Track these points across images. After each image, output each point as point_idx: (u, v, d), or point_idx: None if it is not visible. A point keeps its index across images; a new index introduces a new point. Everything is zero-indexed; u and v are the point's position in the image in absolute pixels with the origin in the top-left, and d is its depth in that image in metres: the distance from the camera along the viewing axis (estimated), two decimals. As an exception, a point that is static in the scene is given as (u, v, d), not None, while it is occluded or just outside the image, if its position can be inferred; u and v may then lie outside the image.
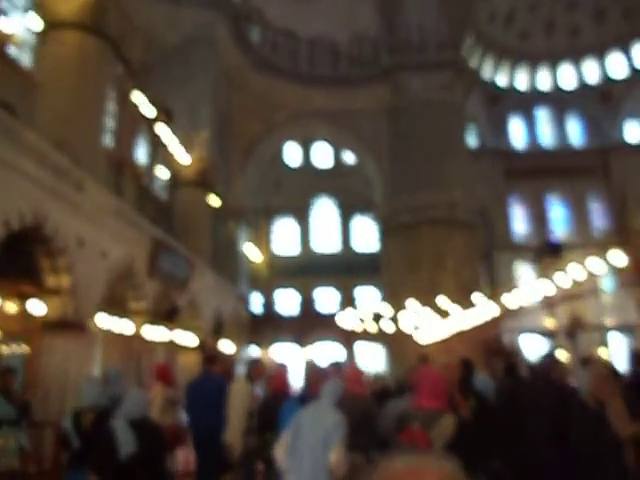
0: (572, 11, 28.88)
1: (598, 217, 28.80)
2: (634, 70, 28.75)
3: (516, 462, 4.53)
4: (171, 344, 13.07)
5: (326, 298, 26.13)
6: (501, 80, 30.28)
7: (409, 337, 18.70)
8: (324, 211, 28.85)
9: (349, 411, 3.83)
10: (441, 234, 21.39)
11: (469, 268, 21.42)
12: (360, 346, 23.07)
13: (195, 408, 6.06)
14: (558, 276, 9.93)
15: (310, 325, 22.63)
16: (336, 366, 5.40)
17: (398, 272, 21.65)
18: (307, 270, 26.21)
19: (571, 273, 9.56)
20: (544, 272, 10.79)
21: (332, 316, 21.94)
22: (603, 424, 3.39)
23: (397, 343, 19.75)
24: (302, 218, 28.36)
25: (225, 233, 19.71)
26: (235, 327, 18.93)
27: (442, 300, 14.66)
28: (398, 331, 18.14)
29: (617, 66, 29.10)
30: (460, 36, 23.73)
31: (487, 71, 29.63)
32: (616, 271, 10.72)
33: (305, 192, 27.90)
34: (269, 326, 22.22)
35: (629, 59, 28.75)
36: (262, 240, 25.02)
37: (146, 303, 11.81)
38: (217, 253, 18.18)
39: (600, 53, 29.31)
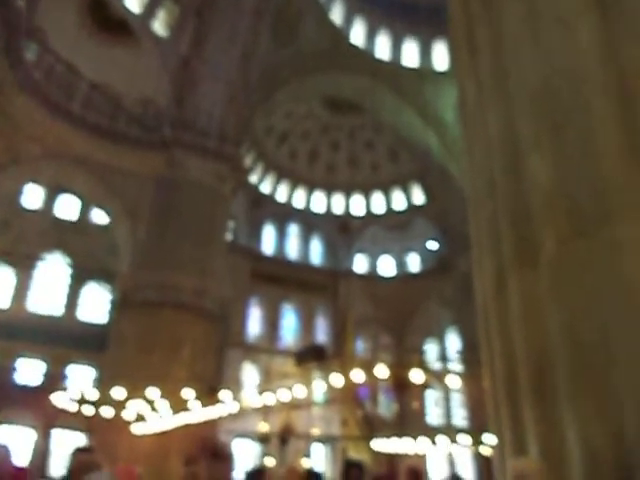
0: (333, 151, 33.33)
1: (322, 332, 31.52)
2: (369, 212, 33.98)
3: None
4: None
5: (29, 369, 21.70)
6: (265, 188, 32.40)
7: (125, 426, 16.58)
8: (53, 268, 24.99)
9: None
10: (183, 319, 20.33)
11: (204, 360, 20.57)
12: (59, 434, 19.43)
13: None
14: (317, 382, 10.02)
15: (2, 400, 18.27)
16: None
17: (128, 353, 19.49)
18: (13, 332, 21.70)
19: (333, 380, 9.73)
20: (305, 376, 10.81)
21: (34, 391, 18.23)
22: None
23: (107, 432, 17.30)
24: (24, 271, 23.94)
25: None
26: None
27: (186, 392, 13.43)
28: (115, 418, 15.90)
29: (358, 205, 34.04)
30: (241, 137, 24.79)
31: (255, 176, 31.45)
32: (329, 388, 11.18)
33: (36, 242, 23.92)
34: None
35: (367, 202, 33.98)
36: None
37: None
38: None
39: (347, 191, 34.01)
